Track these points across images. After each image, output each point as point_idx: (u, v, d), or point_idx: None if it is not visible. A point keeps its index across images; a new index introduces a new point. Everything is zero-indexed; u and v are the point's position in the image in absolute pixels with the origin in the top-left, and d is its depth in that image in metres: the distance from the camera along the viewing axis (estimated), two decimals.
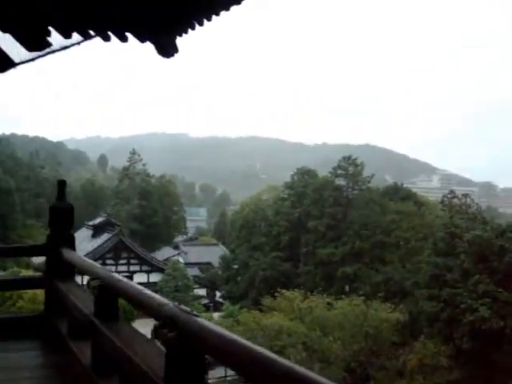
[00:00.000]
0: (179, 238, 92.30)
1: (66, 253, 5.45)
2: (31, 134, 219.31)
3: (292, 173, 63.32)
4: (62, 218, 5.73)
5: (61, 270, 5.63)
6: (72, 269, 5.69)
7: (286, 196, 59.01)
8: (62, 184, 5.82)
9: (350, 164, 54.11)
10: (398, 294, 42.11)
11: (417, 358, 25.98)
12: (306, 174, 57.78)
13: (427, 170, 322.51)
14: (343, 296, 40.62)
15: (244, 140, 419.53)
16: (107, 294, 3.92)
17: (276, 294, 44.29)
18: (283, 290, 43.93)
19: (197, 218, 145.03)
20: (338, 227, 51.80)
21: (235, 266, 56.16)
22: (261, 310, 41.46)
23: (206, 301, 56.60)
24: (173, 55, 3.16)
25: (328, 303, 28.47)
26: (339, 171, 54.66)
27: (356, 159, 54.70)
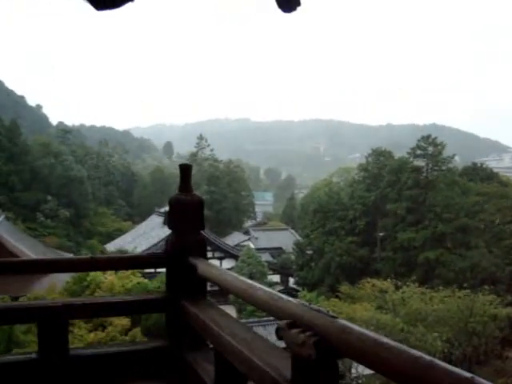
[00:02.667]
0: (248, 223, 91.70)
1: (198, 263, 4.03)
2: (98, 124, 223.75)
3: (359, 154, 61.10)
4: (189, 216, 4.28)
5: (190, 286, 4.20)
6: (204, 286, 4.26)
7: (360, 178, 56.79)
8: (186, 169, 4.40)
9: (429, 144, 51.36)
10: (487, 281, 39.53)
11: None
12: (381, 155, 55.38)
13: (498, 148, 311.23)
14: (427, 284, 38.51)
15: (307, 123, 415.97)
16: (325, 355, 2.33)
17: (357, 282, 42.58)
18: (366, 279, 42.09)
19: (263, 202, 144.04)
20: (418, 210, 49.35)
21: (309, 252, 54.55)
22: (338, 297, 39.92)
23: (280, 287, 55.33)
24: (295, 9, 2.78)
25: (422, 293, 26.43)
26: (418, 151, 52.01)
27: (436, 138, 51.89)
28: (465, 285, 36.40)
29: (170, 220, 4.42)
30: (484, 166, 61.20)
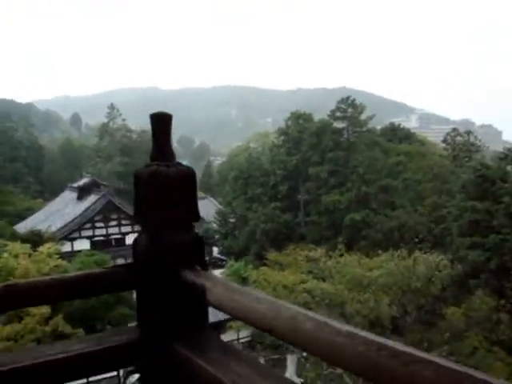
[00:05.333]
0: None
1: (206, 281, 2.34)
2: None
3: (271, 119, 60.11)
4: (174, 200, 2.53)
5: (186, 320, 2.49)
6: (206, 317, 2.55)
7: (280, 143, 55.67)
8: (164, 122, 2.65)
9: (348, 105, 50.75)
10: (412, 239, 39.60)
11: (479, 314, 23.44)
12: (300, 117, 54.27)
13: (405, 110, 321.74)
14: (354, 246, 38.16)
15: (217, 89, 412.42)
16: None
17: (284, 248, 41.76)
18: (293, 245, 41.29)
19: None
20: (341, 172, 48.88)
21: (232, 220, 53.21)
22: (266, 265, 39.04)
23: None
24: None
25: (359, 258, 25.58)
26: (338, 113, 51.32)
27: (355, 100, 51.32)
28: (390, 245, 36.27)
29: (138, 208, 2.62)
30: (401, 126, 61.65)
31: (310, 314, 1.76)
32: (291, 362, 28.73)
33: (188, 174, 2.64)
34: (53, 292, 2.43)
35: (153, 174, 2.56)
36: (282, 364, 28.12)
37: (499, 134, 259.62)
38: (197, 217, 2.71)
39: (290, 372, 25.17)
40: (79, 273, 2.50)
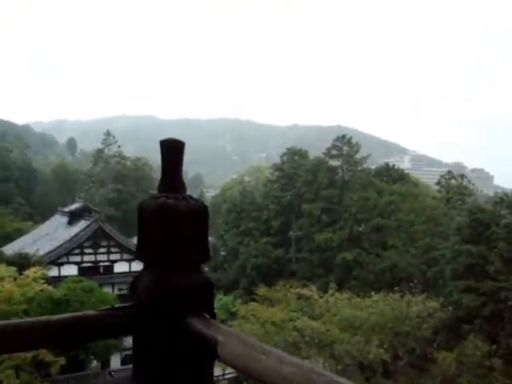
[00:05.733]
0: None
1: (217, 331, 2.04)
2: None
3: (265, 154, 60.23)
4: (184, 236, 2.25)
5: (188, 373, 2.19)
6: (212, 371, 2.23)
7: (274, 178, 55.58)
8: (175, 149, 2.40)
9: (344, 144, 50.85)
10: (405, 281, 39.23)
11: (471, 360, 22.92)
12: (296, 154, 54.34)
13: (398, 150, 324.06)
14: (345, 285, 37.76)
15: (214, 122, 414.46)
16: None
17: (274, 284, 41.33)
18: (283, 281, 40.90)
19: None
20: (334, 211, 48.70)
21: (223, 253, 52.78)
22: (255, 300, 38.51)
23: None
24: None
25: (349, 298, 25.14)
26: (333, 151, 51.38)
27: (351, 138, 51.44)
28: (381, 285, 35.98)
29: (142, 244, 2.34)
30: (396, 167, 61.74)
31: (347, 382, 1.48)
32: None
33: (200, 209, 2.37)
34: (36, 337, 2.12)
35: (161, 206, 2.28)
36: None
37: (491, 178, 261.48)
38: (207, 257, 2.42)
39: None
40: (70, 315, 2.20)
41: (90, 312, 2.28)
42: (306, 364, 1.71)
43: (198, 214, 2.37)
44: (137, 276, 2.43)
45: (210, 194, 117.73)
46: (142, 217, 2.39)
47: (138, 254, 2.44)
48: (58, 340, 2.16)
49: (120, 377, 2.54)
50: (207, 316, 2.26)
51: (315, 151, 58.60)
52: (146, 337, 2.31)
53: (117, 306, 2.33)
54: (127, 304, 2.39)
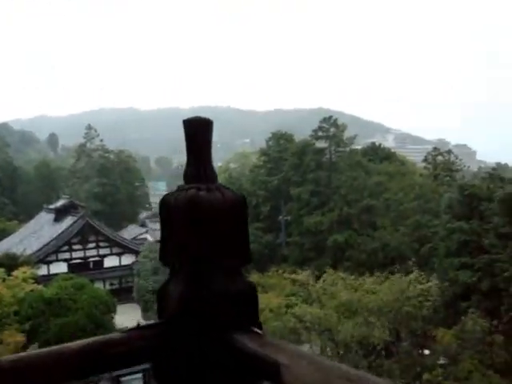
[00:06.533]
0: (144, 215, 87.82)
1: (281, 354, 1.62)
2: None
3: (249, 140, 59.79)
4: (219, 235, 1.83)
5: None
6: None
7: (261, 163, 55.13)
8: (202, 130, 1.97)
9: (331, 125, 50.43)
10: (397, 259, 39.12)
11: (472, 336, 22.75)
12: (281, 138, 53.90)
13: (381, 130, 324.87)
14: (338, 267, 37.57)
15: (194, 110, 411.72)
16: None
17: (266, 270, 41.13)
18: (275, 266, 40.72)
19: (157, 192, 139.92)
20: (323, 193, 48.39)
21: None
22: None
23: None
24: None
25: (342, 278, 24.86)
26: (320, 133, 50.95)
27: (337, 119, 51.03)
28: (374, 265, 35.84)
29: (167, 246, 1.93)
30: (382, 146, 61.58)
31: None
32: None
33: (238, 201, 1.95)
34: (49, 371, 1.70)
35: (192, 200, 1.86)
36: None
37: (473, 153, 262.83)
38: (249, 258, 2.01)
39: None
40: (90, 341, 1.77)
41: (114, 335, 1.85)
42: None
43: (236, 207, 1.95)
44: (163, 285, 2.02)
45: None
46: (166, 213, 1.97)
47: (162, 259, 2.03)
48: (78, 372, 1.74)
49: None
50: (257, 330, 1.86)
51: (299, 135, 58.26)
52: (181, 360, 1.90)
53: (144, 324, 1.92)
54: (156, 321, 1.97)
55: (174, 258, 1.94)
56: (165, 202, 1.97)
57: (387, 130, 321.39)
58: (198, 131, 1.99)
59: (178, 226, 1.90)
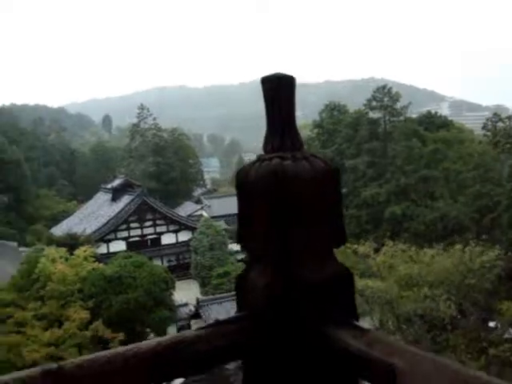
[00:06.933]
0: (198, 192, 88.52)
1: (398, 357, 1.30)
2: (31, 102, 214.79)
3: (301, 113, 58.87)
4: (311, 213, 1.49)
5: None
6: None
7: (314, 135, 54.36)
8: (286, 87, 1.64)
9: (384, 94, 49.17)
10: (457, 231, 38.10)
11: None
12: (335, 109, 52.99)
13: (436, 98, 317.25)
14: (396, 239, 36.87)
15: (246, 85, 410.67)
16: None
17: None
18: None
19: (209, 169, 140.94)
20: (379, 164, 47.43)
21: None
22: None
23: (241, 255, 53.02)
24: None
25: (403, 250, 24.27)
26: (373, 103, 49.77)
27: (391, 89, 49.70)
28: (433, 237, 34.96)
29: (247, 226, 1.64)
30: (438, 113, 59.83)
31: None
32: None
33: (330, 172, 1.64)
34: (117, 376, 1.46)
35: (275, 172, 1.56)
36: None
37: None
38: (343, 239, 1.71)
39: None
40: (162, 340, 1.52)
41: (189, 333, 1.59)
42: None
43: (328, 179, 1.64)
44: (243, 273, 1.73)
45: (248, 158, 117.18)
46: (244, 188, 1.68)
47: (241, 241, 1.75)
48: (150, 377, 1.49)
49: None
50: (358, 324, 1.57)
51: (351, 105, 57.17)
52: (271, 360, 1.62)
53: (222, 319, 1.64)
54: (237, 315, 1.69)
55: (255, 241, 1.66)
56: (242, 175, 1.68)
57: (442, 98, 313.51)
58: (279, 90, 1.69)
59: (258, 202, 1.61)
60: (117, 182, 58.27)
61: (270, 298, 1.58)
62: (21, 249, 47.63)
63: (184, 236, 53.16)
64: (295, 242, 1.58)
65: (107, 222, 50.65)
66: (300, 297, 1.57)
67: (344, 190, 48.95)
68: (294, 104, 1.73)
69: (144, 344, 1.50)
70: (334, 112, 52.47)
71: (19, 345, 24.75)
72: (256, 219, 1.64)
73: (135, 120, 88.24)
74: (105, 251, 46.60)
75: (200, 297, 37.35)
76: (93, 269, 30.93)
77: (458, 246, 23.77)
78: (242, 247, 1.76)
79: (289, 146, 1.64)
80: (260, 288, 1.62)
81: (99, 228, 49.78)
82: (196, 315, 34.84)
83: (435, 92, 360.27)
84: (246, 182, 1.66)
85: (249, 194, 1.66)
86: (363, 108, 50.96)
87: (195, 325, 36.53)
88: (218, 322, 1.61)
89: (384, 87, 49.49)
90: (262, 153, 1.68)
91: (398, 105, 50.63)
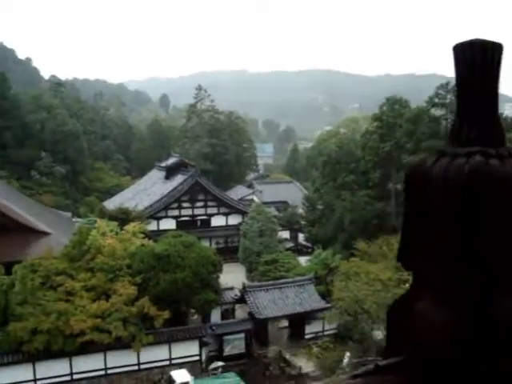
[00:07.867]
0: (250, 176, 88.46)
1: None
2: (92, 77, 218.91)
3: (358, 105, 57.55)
4: None
5: None
6: None
7: (373, 128, 53.21)
8: (492, 57, 1.18)
9: (447, 91, 47.51)
10: None
11: None
12: (396, 103, 51.61)
13: (502, 98, 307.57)
14: None
15: (304, 73, 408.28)
16: None
17: (374, 239, 40.01)
18: (383, 236, 39.54)
19: (263, 154, 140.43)
20: None
21: (320, 207, 51.55)
22: (353, 255, 37.28)
23: (290, 244, 52.71)
24: None
25: None
26: (436, 100, 48.18)
27: (454, 86, 48.02)
28: None
29: (415, 238, 1.24)
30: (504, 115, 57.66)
31: None
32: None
33: None
34: None
35: (477, 172, 1.16)
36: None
37: None
38: None
39: None
40: None
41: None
42: None
43: None
44: (403, 299, 1.33)
45: (302, 146, 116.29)
46: (421, 188, 1.28)
47: (404, 260, 1.34)
48: None
49: None
50: None
51: (410, 100, 55.61)
52: None
53: (382, 363, 1.23)
54: (400, 359, 1.28)
55: (431, 261, 1.25)
56: (419, 172, 1.27)
57: (506, 99, 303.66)
58: (480, 63, 1.27)
59: (447, 210, 1.20)
60: (171, 161, 58.55)
61: (452, 339, 1.17)
62: (74, 219, 48.50)
63: (234, 219, 53.10)
64: (493, 266, 1.16)
65: (159, 200, 50.96)
66: (493, 341, 1.15)
67: (398, 187, 47.90)
68: (498, 83, 1.30)
69: None
70: (395, 106, 51.11)
71: (67, 313, 25.12)
72: (438, 232, 1.22)
73: (193, 101, 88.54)
74: (155, 228, 46.91)
75: (246, 282, 37.18)
76: (142, 245, 31.09)
77: None
78: (403, 266, 1.35)
79: (490, 140, 1.22)
80: (436, 324, 1.21)
81: (151, 205, 50.15)
82: (241, 300, 34.73)
83: (502, 93, 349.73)
84: (425, 181, 1.25)
85: (429, 196, 1.24)
86: (425, 104, 49.47)
87: (239, 309, 36.46)
88: (378, 368, 1.21)
89: (447, 84, 47.76)
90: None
91: None
